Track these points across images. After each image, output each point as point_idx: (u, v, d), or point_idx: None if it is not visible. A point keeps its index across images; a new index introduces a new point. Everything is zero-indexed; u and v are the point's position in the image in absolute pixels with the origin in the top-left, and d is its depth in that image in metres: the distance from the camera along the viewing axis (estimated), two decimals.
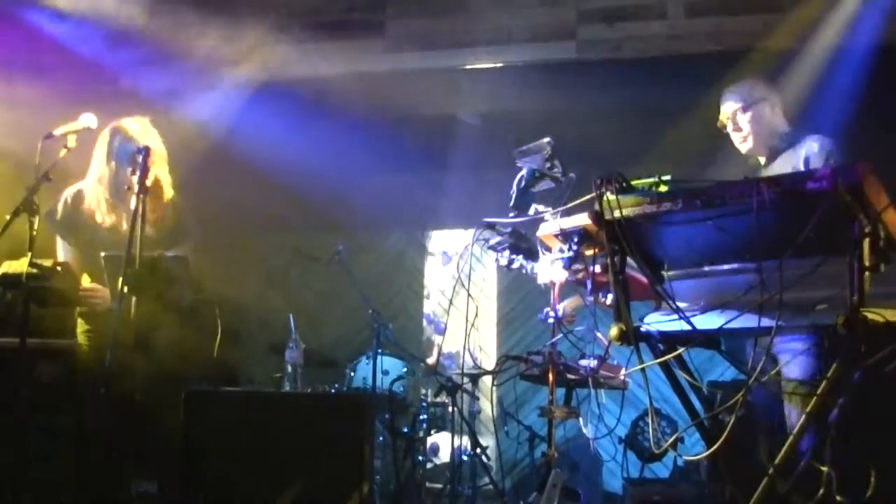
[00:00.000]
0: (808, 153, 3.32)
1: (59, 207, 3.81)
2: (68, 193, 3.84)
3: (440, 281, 7.53)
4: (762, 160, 3.53)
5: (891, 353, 2.01)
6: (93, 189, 3.80)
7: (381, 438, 5.20)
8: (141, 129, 3.77)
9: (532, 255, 2.94)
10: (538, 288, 2.91)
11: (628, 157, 5.11)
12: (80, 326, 3.79)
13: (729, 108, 3.53)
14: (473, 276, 3.14)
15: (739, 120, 3.50)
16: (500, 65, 5.36)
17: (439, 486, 5.28)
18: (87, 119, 3.56)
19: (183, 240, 3.80)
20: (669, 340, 2.43)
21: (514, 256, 2.99)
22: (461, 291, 3.05)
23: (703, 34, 5.08)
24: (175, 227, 3.83)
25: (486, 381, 5.98)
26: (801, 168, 3.27)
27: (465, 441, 5.12)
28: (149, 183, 3.31)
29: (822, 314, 2.10)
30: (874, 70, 4.71)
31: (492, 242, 3.03)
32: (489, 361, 6.99)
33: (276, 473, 3.60)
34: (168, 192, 3.85)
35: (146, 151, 3.33)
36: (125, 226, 3.68)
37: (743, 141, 3.53)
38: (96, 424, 3.47)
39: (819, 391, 2.15)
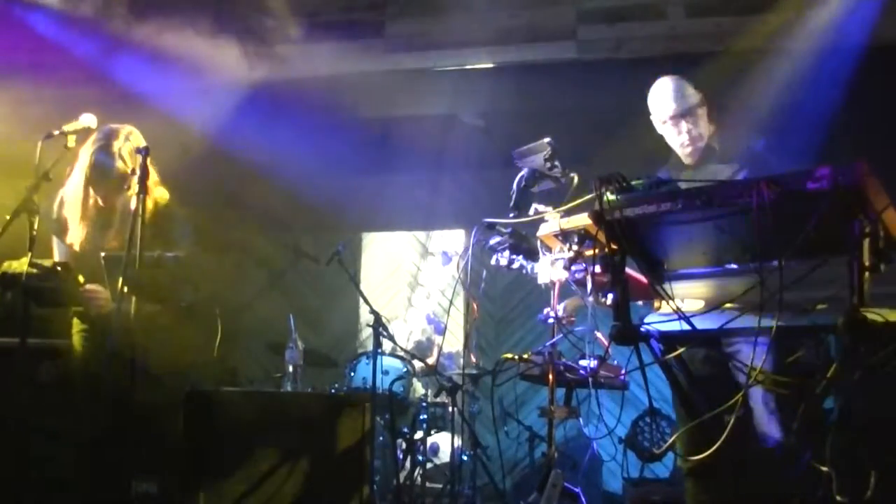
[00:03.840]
0: (748, 162, 3.21)
1: (55, 206, 3.81)
2: (62, 193, 3.82)
3: (440, 281, 7.54)
4: (689, 161, 3.41)
5: (891, 353, 2.01)
6: (71, 196, 3.77)
7: (381, 438, 5.20)
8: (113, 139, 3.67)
9: (532, 255, 2.94)
10: (538, 288, 2.91)
11: (628, 157, 5.11)
12: (76, 326, 3.77)
13: (671, 110, 3.38)
14: (473, 276, 3.14)
15: (682, 124, 3.36)
16: (500, 65, 5.36)
17: (439, 486, 5.28)
18: (87, 119, 3.55)
19: (173, 246, 3.75)
20: (669, 340, 2.44)
21: (514, 256, 2.99)
22: (461, 291, 3.04)
23: (703, 34, 5.07)
24: (163, 233, 3.75)
25: (486, 381, 5.98)
26: (740, 176, 3.16)
27: (466, 441, 5.12)
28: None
29: (822, 314, 2.10)
30: (874, 69, 4.72)
31: (492, 242, 3.03)
32: (489, 361, 6.99)
33: (277, 473, 3.60)
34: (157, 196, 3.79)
35: (146, 152, 3.33)
36: (91, 237, 3.68)
37: (685, 145, 3.39)
38: (96, 424, 3.47)
39: (818, 391, 2.16)
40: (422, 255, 7.71)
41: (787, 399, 2.75)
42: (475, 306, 3.10)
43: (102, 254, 3.54)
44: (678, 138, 3.40)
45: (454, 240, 7.51)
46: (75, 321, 3.78)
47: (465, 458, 5.23)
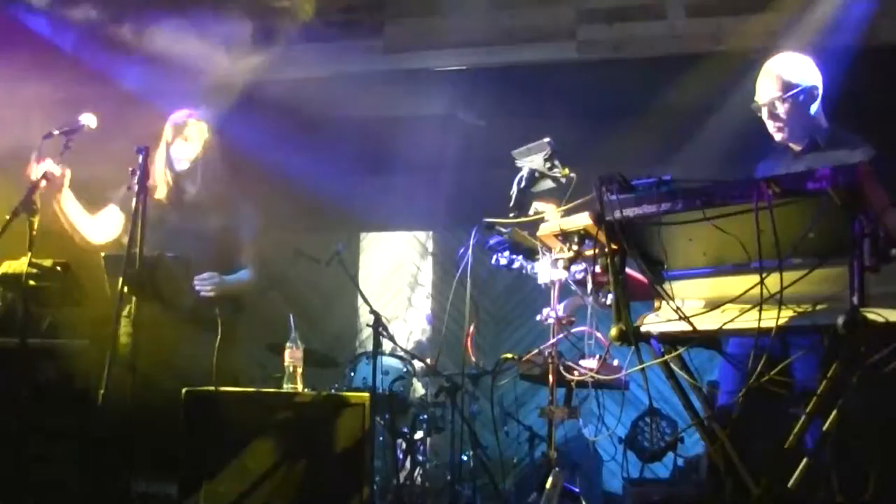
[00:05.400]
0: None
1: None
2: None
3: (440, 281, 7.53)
4: (796, 148, 3.34)
5: (891, 353, 2.01)
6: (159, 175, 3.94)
7: (381, 438, 5.20)
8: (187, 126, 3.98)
9: (532, 255, 2.94)
10: (538, 288, 2.91)
11: (628, 158, 5.11)
12: (124, 328, 3.70)
13: (767, 95, 3.29)
14: (473, 276, 3.13)
15: (777, 108, 3.28)
16: (499, 65, 5.36)
17: (439, 486, 5.28)
18: (87, 119, 3.55)
19: (241, 242, 4.00)
20: (669, 340, 2.43)
21: (514, 256, 2.99)
22: (461, 291, 3.05)
23: (703, 34, 5.07)
24: (230, 228, 3.99)
25: (486, 380, 5.97)
26: None
27: (466, 441, 5.12)
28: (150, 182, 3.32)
29: (822, 314, 2.10)
30: (874, 69, 4.71)
31: (491, 242, 3.03)
32: (489, 361, 6.98)
33: (276, 473, 3.59)
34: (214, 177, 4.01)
35: (145, 152, 3.33)
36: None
37: (778, 130, 3.32)
38: (97, 425, 3.46)
39: (819, 391, 2.15)
40: (422, 255, 7.71)
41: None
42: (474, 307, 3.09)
43: (102, 254, 3.54)
44: (768, 122, 3.34)
45: (447, 241, 7.52)
46: (124, 321, 3.70)
47: (465, 458, 5.23)
